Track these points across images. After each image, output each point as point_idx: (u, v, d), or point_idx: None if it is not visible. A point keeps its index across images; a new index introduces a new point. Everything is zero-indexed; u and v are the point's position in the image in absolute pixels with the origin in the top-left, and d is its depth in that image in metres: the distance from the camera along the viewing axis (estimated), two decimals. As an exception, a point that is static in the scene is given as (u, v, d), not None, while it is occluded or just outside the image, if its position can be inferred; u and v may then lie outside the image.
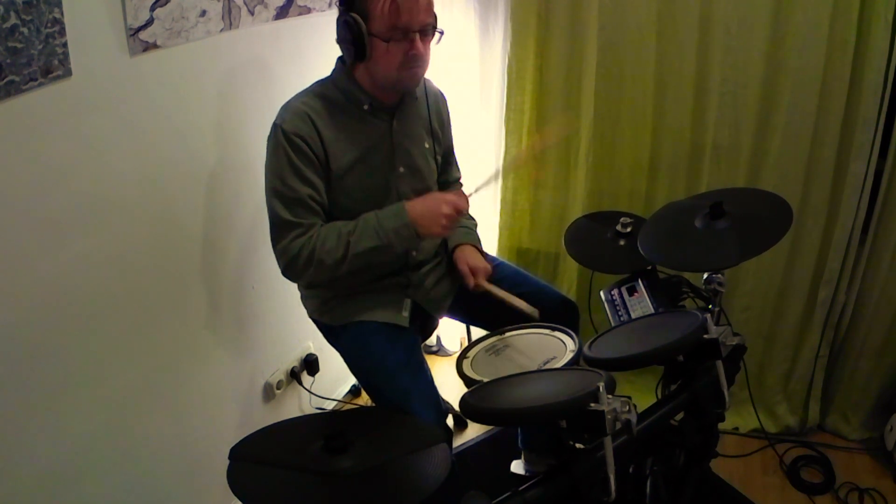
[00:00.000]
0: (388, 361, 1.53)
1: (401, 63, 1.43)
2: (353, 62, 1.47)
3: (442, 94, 1.72)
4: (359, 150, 1.51)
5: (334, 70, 1.54)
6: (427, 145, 1.64)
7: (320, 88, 1.52)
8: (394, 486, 1.05)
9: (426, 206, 1.48)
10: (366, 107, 1.51)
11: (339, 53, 1.53)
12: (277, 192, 1.45)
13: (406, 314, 1.61)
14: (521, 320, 1.55)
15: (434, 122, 1.65)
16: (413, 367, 1.54)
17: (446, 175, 1.79)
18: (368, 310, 1.59)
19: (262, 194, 1.50)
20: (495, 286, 1.59)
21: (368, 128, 1.53)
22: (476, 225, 1.79)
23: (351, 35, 1.40)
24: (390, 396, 1.49)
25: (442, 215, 1.46)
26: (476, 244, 1.71)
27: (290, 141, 1.43)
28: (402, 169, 1.58)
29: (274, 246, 1.48)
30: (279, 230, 1.46)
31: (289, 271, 1.49)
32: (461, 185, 1.85)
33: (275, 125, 1.46)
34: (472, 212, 1.81)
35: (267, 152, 1.48)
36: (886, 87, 1.84)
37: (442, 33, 1.48)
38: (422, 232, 1.47)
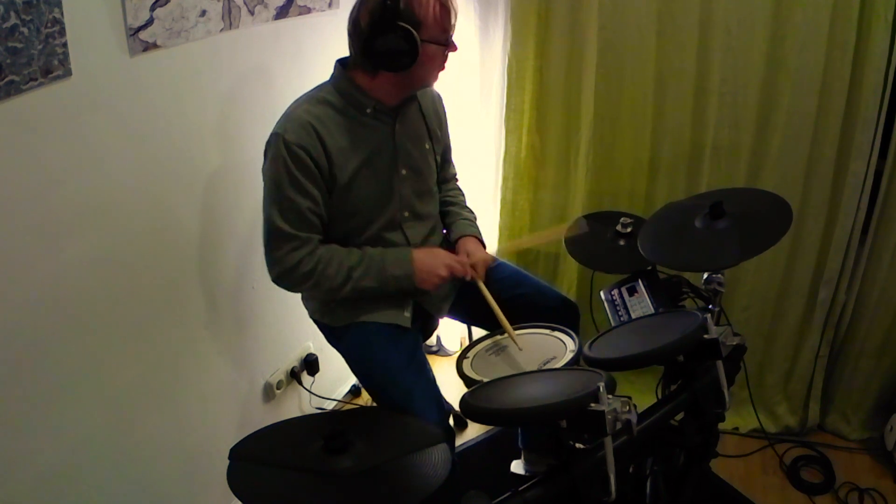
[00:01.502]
0: (391, 362, 1.53)
1: (440, 65, 1.50)
2: (378, 70, 1.45)
3: (438, 94, 1.72)
4: (363, 154, 1.50)
5: (333, 74, 1.53)
6: (427, 146, 1.64)
7: (322, 94, 1.50)
8: (394, 486, 1.05)
9: (427, 263, 1.55)
10: (369, 110, 1.50)
11: (338, 54, 1.53)
12: (276, 201, 1.44)
13: (408, 314, 1.61)
14: (519, 319, 1.55)
15: (433, 122, 1.65)
16: (415, 366, 1.54)
17: (444, 173, 1.80)
18: (370, 311, 1.59)
19: (262, 194, 1.49)
20: (487, 291, 1.59)
21: (372, 132, 1.52)
22: (476, 218, 1.80)
23: (407, 45, 1.39)
24: (393, 396, 1.49)
25: (437, 276, 1.55)
26: (477, 236, 1.73)
27: (291, 152, 1.41)
28: (404, 171, 1.58)
29: (267, 253, 1.48)
30: (274, 240, 1.46)
31: (282, 280, 1.50)
32: (457, 180, 1.86)
33: (276, 134, 1.43)
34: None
35: (266, 159, 1.47)
36: (886, 87, 1.84)
37: None
38: (418, 284, 1.55)
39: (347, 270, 1.49)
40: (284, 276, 1.48)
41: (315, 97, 1.50)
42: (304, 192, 1.44)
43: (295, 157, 1.42)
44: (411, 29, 1.38)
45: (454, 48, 1.49)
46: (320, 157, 1.44)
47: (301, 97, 1.51)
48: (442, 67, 1.52)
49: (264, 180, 1.48)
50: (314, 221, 1.47)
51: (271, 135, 1.45)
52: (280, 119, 1.47)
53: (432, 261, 1.56)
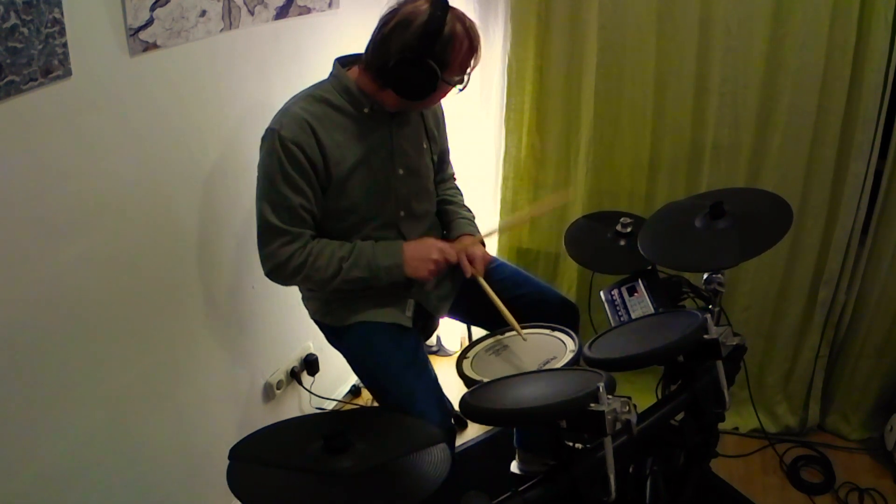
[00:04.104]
0: (393, 361, 1.53)
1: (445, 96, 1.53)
2: (388, 88, 1.44)
3: None
4: (360, 152, 1.50)
5: (332, 73, 1.53)
6: (424, 145, 1.64)
7: (320, 92, 1.50)
8: (394, 486, 1.05)
9: (417, 251, 1.54)
10: (366, 110, 1.50)
11: (338, 54, 1.53)
12: (268, 196, 1.45)
13: (409, 314, 1.61)
14: (519, 320, 1.55)
15: (430, 123, 1.66)
16: (418, 366, 1.55)
17: (441, 173, 1.79)
18: (371, 311, 1.59)
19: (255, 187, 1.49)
20: (489, 286, 1.59)
21: (369, 131, 1.52)
22: (474, 217, 1.79)
23: (428, 82, 1.40)
24: (395, 396, 1.49)
25: (430, 261, 1.53)
26: (475, 234, 1.72)
27: (286, 149, 1.41)
28: (401, 171, 1.57)
29: (260, 248, 1.49)
30: (266, 234, 1.47)
31: (274, 275, 1.51)
32: (455, 179, 1.86)
33: (272, 130, 1.43)
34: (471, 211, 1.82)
35: (260, 154, 1.47)
36: (886, 87, 1.84)
37: None
38: (409, 273, 1.53)
39: (339, 261, 1.49)
40: (276, 271, 1.49)
41: (313, 95, 1.49)
42: (297, 189, 1.44)
43: (289, 154, 1.42)
44: (437, 69, 1.39)
45: (465, 86, 1.51)
46: (315, 155, 1.44)
47: (298, 94, 1.51)
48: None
49: (258, 174, 1.48)
50: (306, 218, 1.48)
51: (267, 130, 1.45)
52: (276, 115, 1.47)
53: (423, 248, 1.55)
